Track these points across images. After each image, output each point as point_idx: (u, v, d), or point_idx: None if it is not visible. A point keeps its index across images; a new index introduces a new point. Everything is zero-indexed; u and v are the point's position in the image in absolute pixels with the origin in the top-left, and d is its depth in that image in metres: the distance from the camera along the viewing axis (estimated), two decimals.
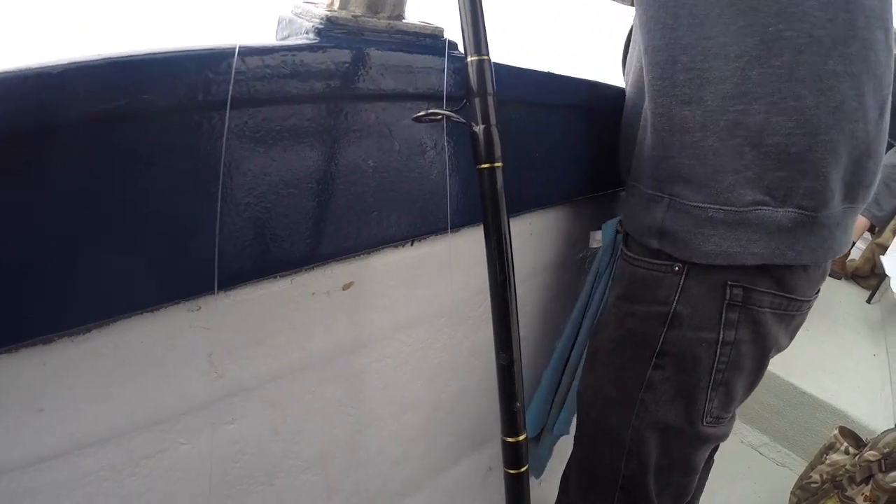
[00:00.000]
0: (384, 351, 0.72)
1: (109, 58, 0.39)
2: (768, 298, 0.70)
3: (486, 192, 0.50)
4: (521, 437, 0.54)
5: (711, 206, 0.67)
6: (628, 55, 0.82)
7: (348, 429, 0.75)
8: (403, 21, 0.59)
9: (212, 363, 0.58)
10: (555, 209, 0.88)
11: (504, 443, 0.54)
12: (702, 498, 1.74)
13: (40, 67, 0.36)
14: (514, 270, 0.53)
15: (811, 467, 1.60)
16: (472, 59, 0.49)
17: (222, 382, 0.59)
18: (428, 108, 0.58)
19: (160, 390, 0.54)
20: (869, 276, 3.50)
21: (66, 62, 0.37)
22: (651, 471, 0.78)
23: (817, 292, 0.77)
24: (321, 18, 0.54)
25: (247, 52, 0.46)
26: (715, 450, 1.04)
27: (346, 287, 0.64)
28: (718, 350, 0.71)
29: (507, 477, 0.56)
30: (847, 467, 1.51)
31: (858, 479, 1.46)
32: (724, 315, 0.70)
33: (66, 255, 0.41)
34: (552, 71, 0.73)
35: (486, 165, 0.49)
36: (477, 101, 0.49)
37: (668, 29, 0.67)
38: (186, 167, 0.46)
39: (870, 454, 1.45)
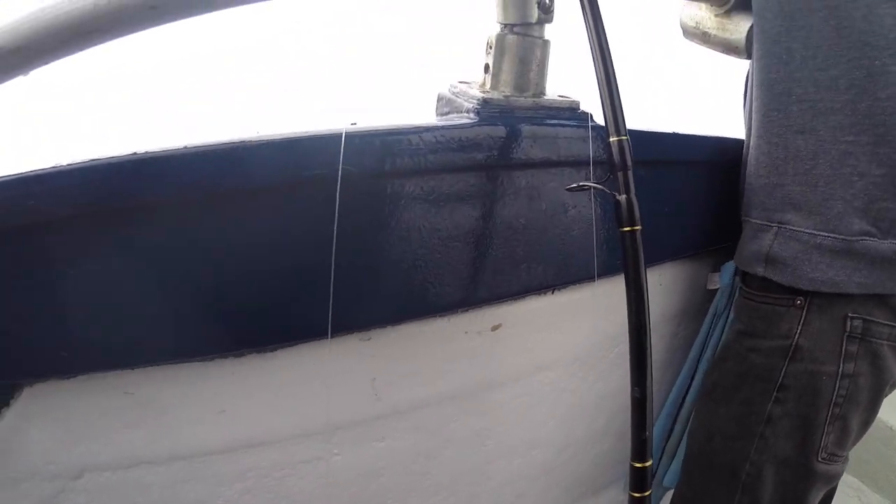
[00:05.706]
0: (522, 389, 0.79)
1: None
2: (887, 330, 0.71)
3: (628, 250, 0.56)
4: (648, 463, 0.58)
5: (820, 233, 0.69)
6: (746, 100, 0.84)
7: (480, 459, 0.81)
8: (545, 98, 0.68)
9: (374, 387, 0.67)
10: (682, 261, 0.91)
11: (632, 467, 0.59)
12: None
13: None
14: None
15: None
16: (614, 139, 0.56)
17: (379, 404, 0.68)
18: (568, 173, 0.67)
19: (326, 405, 0.64)
20: None
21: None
22: None
23: None
24: (478, 100, 0.65)
25: (423, 130, 0.58)
26: (830, 497, 0.99)
27: (494, 328, 0.72)
28: (837, 383, 0.72)
29: (631, 500, 0.60)
30: None
31: None
32: (844, 347, 0.71)
33: (272, 296, 0.55)
34: (677, 131, 0.79)
35: (627, 228, 0.56)
36: (620, 174, 0.56)
37: (783, 63, 0.71)
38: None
39: None
